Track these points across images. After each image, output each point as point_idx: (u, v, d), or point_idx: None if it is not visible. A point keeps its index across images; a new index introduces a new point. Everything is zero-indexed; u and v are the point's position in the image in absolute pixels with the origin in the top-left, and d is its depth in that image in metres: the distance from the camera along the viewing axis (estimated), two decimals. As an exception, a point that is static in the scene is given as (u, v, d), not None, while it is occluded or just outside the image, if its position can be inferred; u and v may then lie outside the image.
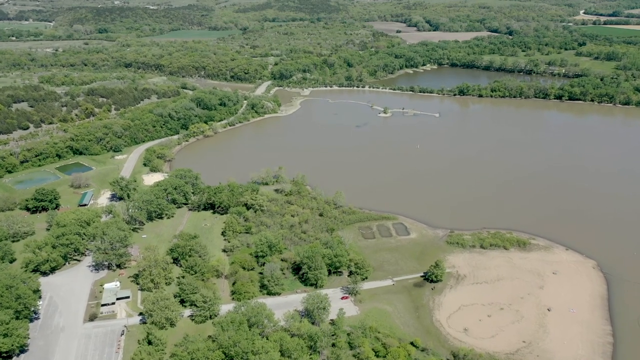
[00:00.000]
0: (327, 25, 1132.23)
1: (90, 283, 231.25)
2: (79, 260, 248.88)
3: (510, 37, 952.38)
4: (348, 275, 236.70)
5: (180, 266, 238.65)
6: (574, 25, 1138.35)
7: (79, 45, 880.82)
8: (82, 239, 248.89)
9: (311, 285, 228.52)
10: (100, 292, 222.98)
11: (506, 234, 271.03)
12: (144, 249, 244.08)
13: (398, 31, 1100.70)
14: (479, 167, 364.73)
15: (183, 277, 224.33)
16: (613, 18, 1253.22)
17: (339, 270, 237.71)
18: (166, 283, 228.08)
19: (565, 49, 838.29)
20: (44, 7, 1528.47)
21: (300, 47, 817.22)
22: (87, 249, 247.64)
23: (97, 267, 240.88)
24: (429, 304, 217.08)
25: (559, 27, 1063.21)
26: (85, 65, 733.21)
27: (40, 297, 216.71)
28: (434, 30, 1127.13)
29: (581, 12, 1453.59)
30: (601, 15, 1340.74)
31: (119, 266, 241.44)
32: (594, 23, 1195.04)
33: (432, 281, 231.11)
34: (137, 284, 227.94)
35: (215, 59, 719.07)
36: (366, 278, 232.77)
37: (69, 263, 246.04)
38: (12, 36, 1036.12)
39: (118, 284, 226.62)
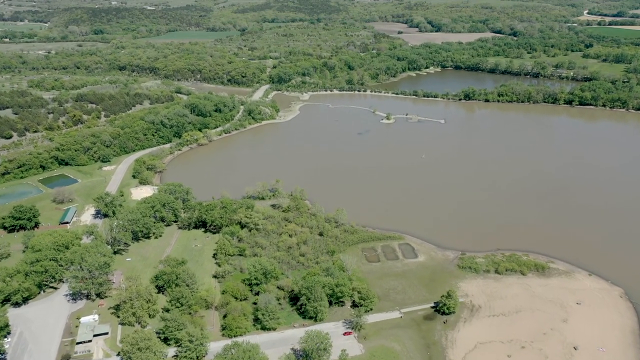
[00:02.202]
0: (327, 26, 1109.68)
1: (66, 316, 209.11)
2: (55, 288, 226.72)
3: (515, 38, 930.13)
4: (351, 306, 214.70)
5: (166, 295, 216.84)
6: (579, 26, 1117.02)
7: (72, 47, 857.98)
8: (59, 265, 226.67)
9: (310, 318, 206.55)
10: (76, 326, 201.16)
11: (522, 257, 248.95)
12: (126, 277, 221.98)
13: (399, 32, 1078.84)
14: (489, 179, 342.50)
15: (168, 310, 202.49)
16: (618, 19, 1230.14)
17: (341, 300, 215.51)
18: (150, 316, 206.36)
19: (572, 51, 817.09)
20: (40, 8, 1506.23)
21: (300, 49, 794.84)
22: (63, 278, 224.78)
23: (75, 296, 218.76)
24: (442, 341, 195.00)
25: (563, 28, 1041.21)
26: (78, 68, 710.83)
27: (9, 334, 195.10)
28: (436, 31, 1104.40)
29: (585, 12, 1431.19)
30: (605, 15, 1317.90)
31: (98, 295, 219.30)
32: (599, 24, 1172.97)
33: (443, 313, 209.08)
34: (118, 316, 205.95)
35: (211, 61, 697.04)
36: (371, 310, 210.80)
37: (44, 291, 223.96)
38: (6, 37, 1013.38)
39: (96, 317, 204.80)
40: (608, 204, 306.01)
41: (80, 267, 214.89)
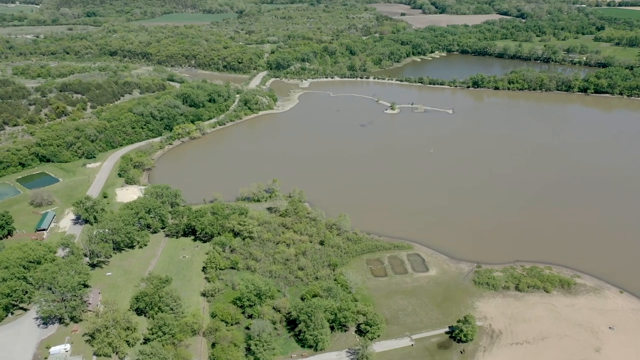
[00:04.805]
0: (328, 8, 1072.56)
1: (35, 344, 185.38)
2: (25, 310, 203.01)
3: (523, 20, 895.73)
4: (355, 331, 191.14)
5: (148, 317, 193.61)
6: (588, 7, 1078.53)
7: (61, 31, 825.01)
8: (28, 283, 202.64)
9: (310, 347, 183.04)
10: (46, 358, 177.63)
11: (545, 270, 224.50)
12: (104, 299, 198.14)
13: (402, 14, 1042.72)
14: (503, 178, 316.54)
15: (147, 340, 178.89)
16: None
17: (345, 324, 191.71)
18: (129, 344, 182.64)
19: (583, 34, 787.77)
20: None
21: (299, 33, 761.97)
22: (32, 300, 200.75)
23: (46, 320, 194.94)
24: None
25: (573, 9, 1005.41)
26: (67, 53, 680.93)
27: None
28: (441, 13, 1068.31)
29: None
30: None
31: (72, 319, 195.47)
32: (609, 4, 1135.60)
33: (460, 340, 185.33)
34: (93, 345, 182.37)
35: (206, 46, 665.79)
36: (378, 336, 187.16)
37: (12, 314, 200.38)
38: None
39: (68, 347, 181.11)
40: (637, 205, 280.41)
41: (51, 290, 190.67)
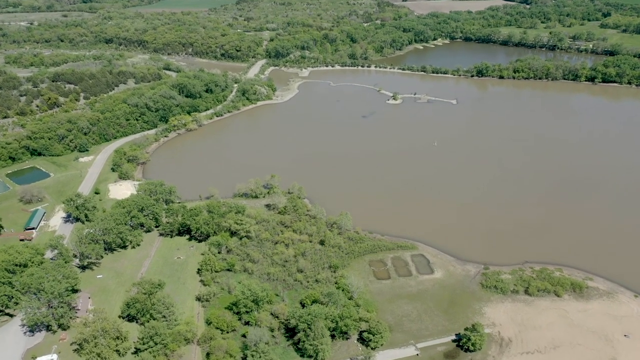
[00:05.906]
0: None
1: (21, 354, 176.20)
2: (11, 316, 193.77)
3: (528, 6, 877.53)
4: (358, 339, 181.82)
5: (140, 324, 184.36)
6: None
7: (56, 18, 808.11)
8: (13, 287, 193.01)
9: (309, 357, 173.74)
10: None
11: (555, 272, 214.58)
12: (95, 303, 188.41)
13: (404, 0, 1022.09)
14: (511, 174, 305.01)
15: (138, 350, 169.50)
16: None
17: (346, 332, 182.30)
18: (119, 354, 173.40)
19: (589, 20, 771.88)
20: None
21: (299, 20, 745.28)
22: (17, 307, 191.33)
23: (33, 327, 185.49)
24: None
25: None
26: (62, 41, 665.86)
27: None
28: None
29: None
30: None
31: (60, 326, 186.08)
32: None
33: (467, 349, 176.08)
34: (81, 356, 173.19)
35: (204, 34, 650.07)
36: (382, 345, 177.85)
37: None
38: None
39: (55, 357, 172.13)
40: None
41: (37, 297, 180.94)
